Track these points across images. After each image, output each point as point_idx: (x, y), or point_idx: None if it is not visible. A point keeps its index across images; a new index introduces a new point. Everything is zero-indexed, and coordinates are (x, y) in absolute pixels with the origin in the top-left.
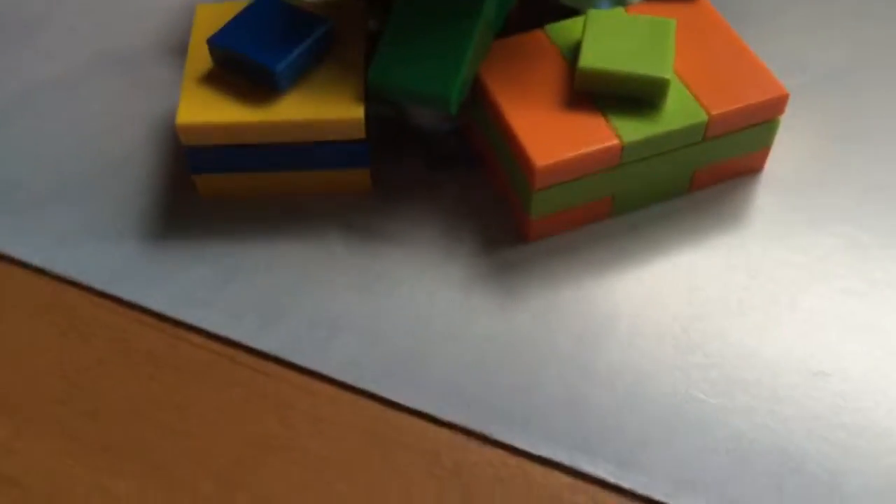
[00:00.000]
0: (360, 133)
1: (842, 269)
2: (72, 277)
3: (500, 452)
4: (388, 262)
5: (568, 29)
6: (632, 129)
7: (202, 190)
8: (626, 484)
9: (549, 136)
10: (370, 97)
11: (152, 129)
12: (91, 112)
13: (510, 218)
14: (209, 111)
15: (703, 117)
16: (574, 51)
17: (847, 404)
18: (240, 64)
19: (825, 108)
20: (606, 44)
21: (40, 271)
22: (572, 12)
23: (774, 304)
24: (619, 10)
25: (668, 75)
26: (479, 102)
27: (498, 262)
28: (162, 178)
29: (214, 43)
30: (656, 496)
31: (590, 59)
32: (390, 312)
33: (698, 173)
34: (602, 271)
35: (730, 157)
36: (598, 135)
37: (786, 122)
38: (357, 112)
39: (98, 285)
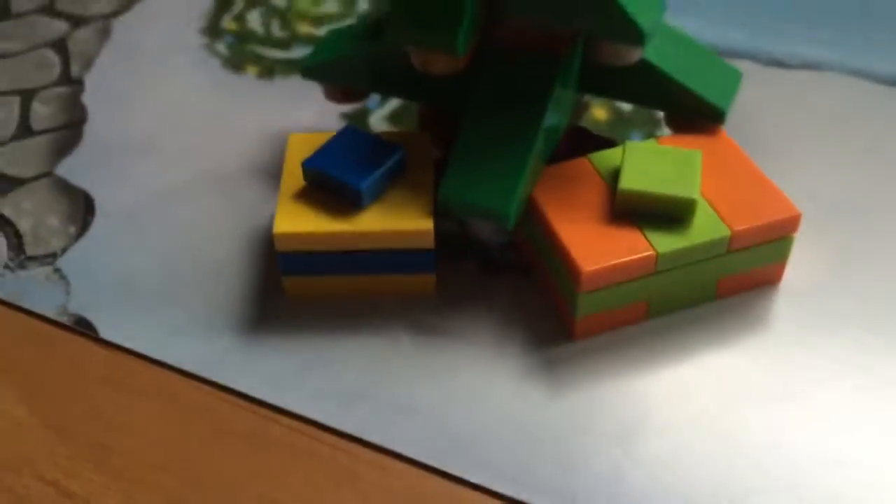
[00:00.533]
0: (430, 243)
1: (853, 369)
2: (177, 365)
3: None
4: (449, 357)
5: (608, 157)
6: (665, 242)
7: (289, 291)
8: None
9: (593, 246)
10: (438, 212)
11: (245, 241)
12: (194, 223)
13: (557, 320)
14: (301, 222)
15: (727, 232)
16: (614, 176)
17: (862, 491)
18: (328, 183)
19: (836, 229)
20: (643, 169)
21: (151, 360)
22: (610, 144)
23: (793, 399)
24: (653, 141)
25: (696, 196)
26: (530, 219)
27: (546, 358)
28: (253, 281)
29: (308, 165)
30: None
31: (629, 181)
32: (451, 400)
33: (723, 282)
34: (639, 368)
35: (750, 268)
36: (636, 246)
37: (800, 239)
38: (427, 224)
39: (200, 372)
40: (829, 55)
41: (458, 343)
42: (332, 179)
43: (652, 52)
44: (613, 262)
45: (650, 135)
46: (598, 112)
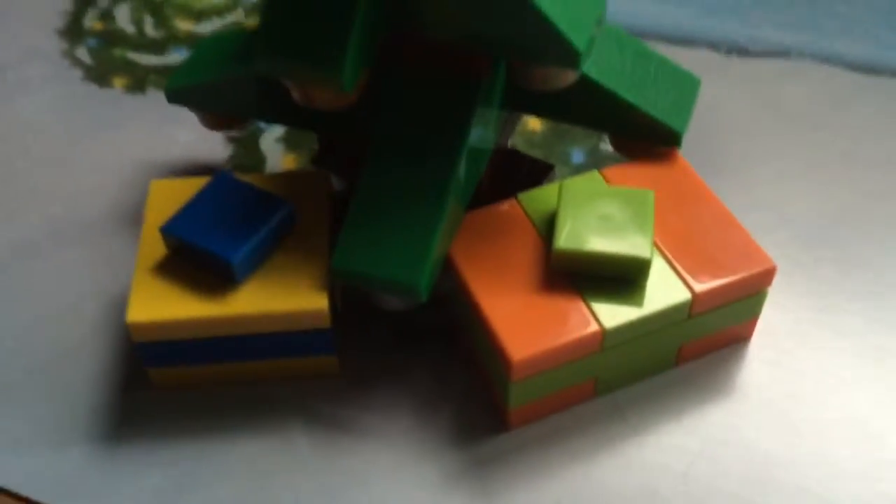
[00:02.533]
0: (325, 323)
1: (841, 448)
2: (12, 490)
3: None
4: (356, 460)
5: (542, 199)
6: (612, 314)
7: (157, 383)
8: None
9: (526, 324)
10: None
11: (107, 309)
12: (40, 292)
13: (488, 402)
14: (162, 307)
15: (688, 295)
16: (548, 224)
17: None
18: (195, 252)
19: (810, 266)
20: (582, 220)
21: None
22: (546, 170)
23: (774, 491)
24: (595, 178)
25: (648, 254)
26: (451, 279)
27: (476, 455)
28: (113, 368)
29: (168, 232)
30: None
31: (566, 238)
32: None
33: (684, 348)
34: (588, 461)
35: (716, 330)
36: (577, 321)
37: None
38: (321, 302)
39: (38, 497)
40: (797, 39)
41: (366, 442)
42: (198, 249)
43: (591, 65)
44: (550, 345)
45: (593, 149)
46: (533, 122)
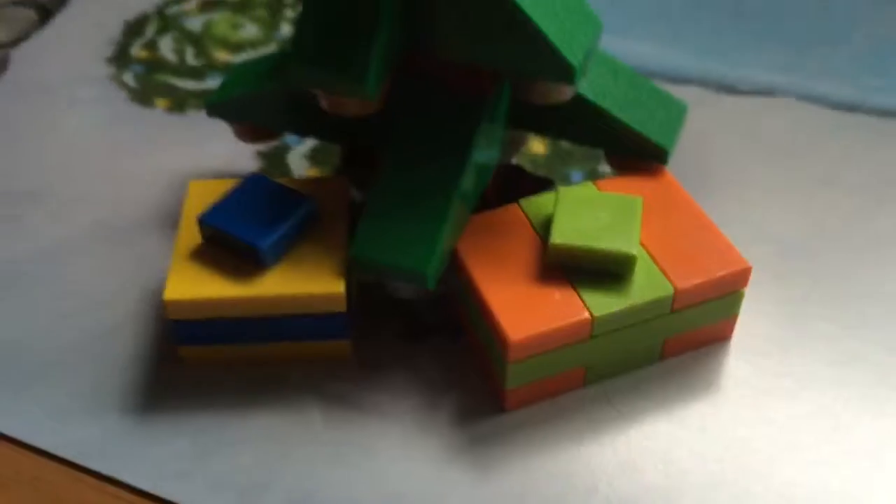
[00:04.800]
0: (341, 307)
1: (812, 439)
2: (55, 452)
3: None
4: (365, 434)
5: (541, 204)
6: (602, 304)
7: (186, 360)
8: None
9: (523, 310)
10: (353, 270)
11: (140, 302)
12: (83, 283)
13: (487, 388)
14: (196, 287)
15: (670, 290)
16: (546, 226)
17: None
18: (228, 241)
19: (789, 276)
20: (576, 220)
21: (24, 445)
22: (547, 184)
23: (748, 476)
24: (589, 186)
25: (634, 251)
26: (456, 274)
27: (475, 433)
28: (146, 350)
29: (204, 222)
30: None
31: (561, 234)
32: (367, 486)
33: (668, 343)
34: (577, 441)
35: (698, 326)
36: (570, 309)
37: (751, 290)
38: (338, 287)
39: (79, 460)
40: (783, 79)
41: (375, 419)
42: (231, 237)
43: (588, 87)
44: (545, 329)
45: (591, 171)
46: (536, 146)
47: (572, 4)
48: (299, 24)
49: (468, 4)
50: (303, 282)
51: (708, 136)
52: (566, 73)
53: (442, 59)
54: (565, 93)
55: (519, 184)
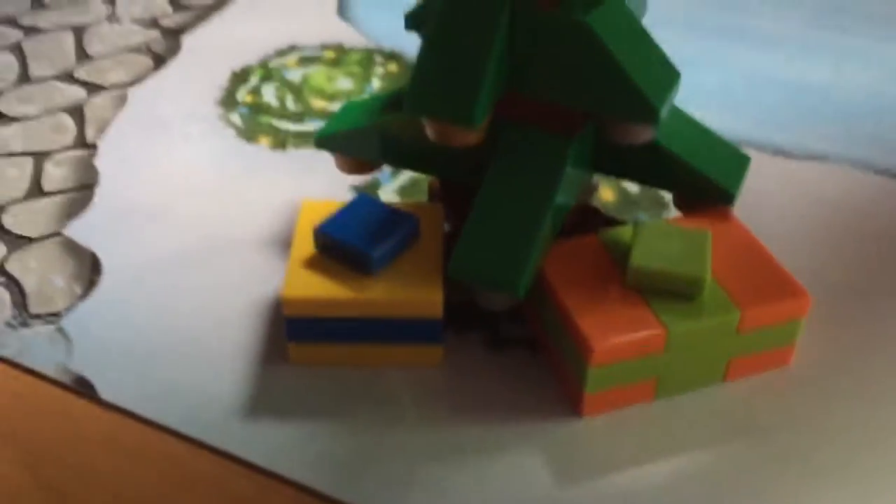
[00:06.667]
0: (438, 313)
1: (853, 472)
2: (177, 429)
3: None
4: (453, 432)
5: (618, 235)
6: (675, 320)
7: (293, 356)
8: None
9: (604, 321)
10: (447, 283)
11: (251, 307)
12: (200, 288)
13: (563, 396)
14: (311, 287)
15: (736, 313)
16: (623, 254)
17: None
18: (340, 249)
19: (843, 313)
20: (653, 247)
21: (151, 423)
22: (618, 223)
23: (807, 474)
24: (663, 220)
25: (706, 275)
26: (539, 293)
27: (553, 435)
28: (257, 347)
29: (321, 230)
30: None
31: (640, 258)
32: (453, 475)
33: (732, 363)
34: (646, 448)
35: (759, 350)
36: (647, 323)
37: (809, 323)
38: (437, 294)
39: (200, 437)
40: (835, 148)
41: (462, 419)
42: (343, 245)
43: (662, 134)
44: (624, 338)
45: (656, 217)
46: (606, 193)
47: (657, 55)
48: (419, 63)
49: (566, 49)
50: (405, 288)
51: (763, 195)
52: (650, 114)
53: (537, 100)
54: (647, 133)
55: (593, 221)
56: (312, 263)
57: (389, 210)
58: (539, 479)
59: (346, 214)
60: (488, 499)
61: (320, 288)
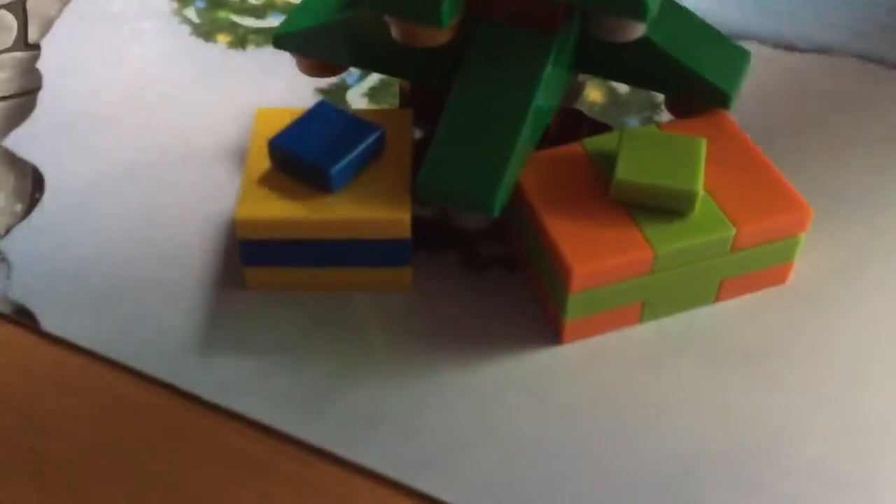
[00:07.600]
0: (406, 233)
1: (856, 385)
2: (127, 363)
3: None
4: (424, 360)
5: (603, 143)
6: (664, 240)
7: (250, 282)
8: None
9: (586, 243)
10: (416, 199)
11: (207, 225)
12: (153, 205)
13: (544, 321)
14: (265, 207)
15: (731, 231)
16: (609, 164)
17: None
18: (296, 165)
19: (847, 226)
20: (641, 158)
21: (97, 356)
22: (605, 129)
23: (802, 400)
24: (653, 127)
25: (697, 189)
26: (517, 209)
27: (532, 363)
28: (213, 271)
29: (275, 145)
30: None
31: (626, 171)
32: (425, 409)
33: (725, 284)
34: (631, 376)
35: (755, 269)
36: (632, 244)
37: (809, 235)
38: (403, 213)
39: (151, 372)
40: (842, 39)
41: (434, 345)
42: (300, 161)
43: (653, 30)
44: (607, 261)
45: (648, 120)
46: (594, 94)
47: None
48: None
49: None
50: (369, 207)
51: (765, 93)
52: (639, 9)
53: None
54: (635, 30)
55: (578, 127)
56: (268, 180)
57: (352, 119)
58: (518, 412)
59: (303, 125)
60: (464, 436)
61: (276, 208)
